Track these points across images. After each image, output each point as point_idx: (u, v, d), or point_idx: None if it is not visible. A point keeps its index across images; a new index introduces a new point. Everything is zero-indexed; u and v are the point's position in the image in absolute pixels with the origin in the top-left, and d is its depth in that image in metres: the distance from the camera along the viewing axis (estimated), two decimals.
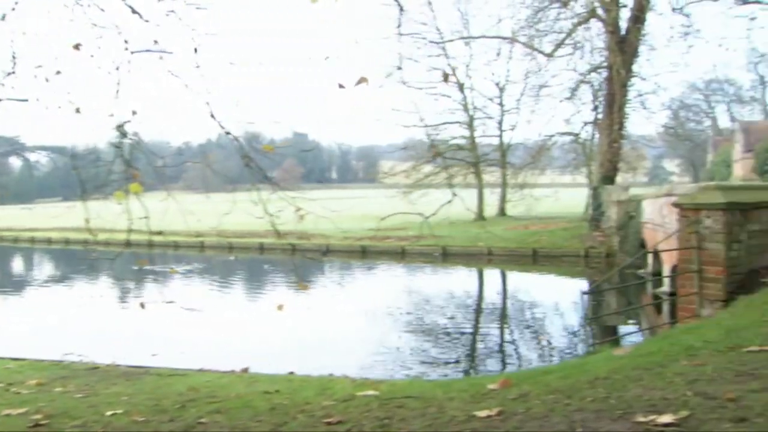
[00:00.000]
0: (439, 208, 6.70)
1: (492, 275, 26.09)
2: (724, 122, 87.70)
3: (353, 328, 15.14)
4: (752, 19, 25.46)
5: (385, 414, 4.42)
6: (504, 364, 12.10)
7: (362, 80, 5.81)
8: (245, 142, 7.29)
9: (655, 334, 8.86)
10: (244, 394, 5.90)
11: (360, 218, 42.42)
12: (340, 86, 6.16)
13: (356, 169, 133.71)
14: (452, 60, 40.17)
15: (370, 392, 5.37)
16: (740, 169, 67.21)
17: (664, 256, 15.82)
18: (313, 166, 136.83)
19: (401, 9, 5.19)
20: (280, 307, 7.93)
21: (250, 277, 27.12)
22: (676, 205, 7.60)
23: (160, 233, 7.11)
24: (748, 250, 7.61)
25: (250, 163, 6.87)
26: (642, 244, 21.46)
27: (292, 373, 8.41)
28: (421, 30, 37.88)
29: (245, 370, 8.50)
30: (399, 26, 5.23)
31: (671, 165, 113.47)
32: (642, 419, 3.53)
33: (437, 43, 37.13)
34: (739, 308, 6.48)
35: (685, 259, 7.39)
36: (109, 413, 5.03)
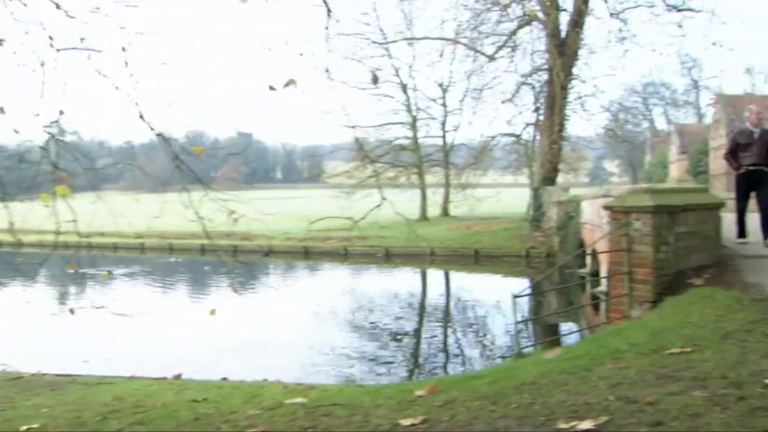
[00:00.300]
0: (368, 212, 6.66)
1: (434, 275, 26.17)
2: (661, 124, 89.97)
3: (295, 330, 14.96)
4: (679, 26, 26.06)
5: (310, 423, 4.35)
6: (447, 364, 12.14)
7: (290, 82, 5.73)
8: (186, 142, 7.14)
9: (592, 334, 8.97)
10: (171, 403, 5.76)
11: (303, 219, 42.12)
12: (271, 88, 6.06)
13: (301, 169, 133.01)
14: (395, 60, 40.31)
15: (299, 400, 5.28)
16: (676, 170, 69.04)
17: (601, 256, 16.06)
18: (257, 166, 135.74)
19: (329, 11, 5.11)
20: (212, 312, 7.79)
21: (190, 279, 26.70)
22: (607, 207, 7.71)
23: (88, 236, 6.90)
24: (676, 252, 7.75)
25: (181, 165, 6.73)
26: (581, 245, 21.76)
27: (225, 379, 8.27)
28: (365, 30, 37.94)
29: (178, 377, 8.33)
30: (327, 28, 5.13)
31: (611, 166, 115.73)
32: (564, 426, 3.53)
33: (380, 43, 37.18)
34: (666, 309, 6.59)
35: (616, 261, 7.50)
36: (23, 428, 4.83)
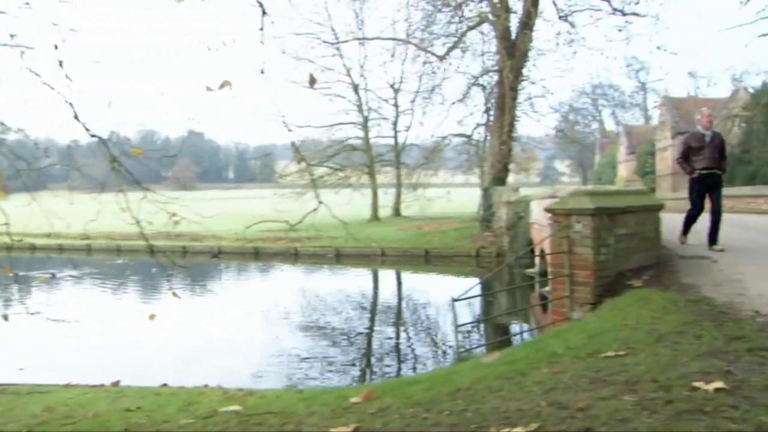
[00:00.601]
0: (305, 215, 6.55)
1: (384, 276, 26.15)
2: (610, 125, 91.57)
3: (246, 332, 14.81)
4: (619, 30, 26.56)
5: None
6: (400, 364, 12.14)
7: (225, 83, 5.63)
8: (126, 143, 6.99)
9: (537, 335, 9.02)
10: (104, 412, 5.62)
11: (253, 219, 41.71)
12: (208, 89, 5.95)
13: (253, 168, 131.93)
14: (347, 60, 40.25)
15: (233, 408, 5.18)
16: (624, 170, 70.31)
17: (548, 256, 16.19)
18: (209, 166, 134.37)
19: (264, 12, 5.02)
20: (151, 317, 7.63)
21: (138, 281, 26.23)
22: (548, 210, 7.75)
23: (20, 239, 6.70)
24: (616, 254, 7.83)
25: (117, 167, 6.60)
26: (530, 244, 21.96)
27: (165, 385, 8.11)
28: (316, 30, 37.81)
29: (116, 384, 8.14)
30: (261, 29, 5.04)
31: (562, 166, 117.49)
32: None
33: (331, 43, 37.07)
34: (605, 311, 6.64)
35: (557, 263, 7.54)
36: None
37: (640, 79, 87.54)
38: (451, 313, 15.62)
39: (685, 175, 10.56)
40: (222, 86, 5.61)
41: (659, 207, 9.27)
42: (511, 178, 34.87)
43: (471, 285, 20.80)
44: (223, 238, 31.99)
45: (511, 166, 34.27)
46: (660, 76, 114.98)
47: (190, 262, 30.43)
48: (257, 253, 30.54)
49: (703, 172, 9.98)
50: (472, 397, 4.37)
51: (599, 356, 4.99)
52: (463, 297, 7.34)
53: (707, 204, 10.27)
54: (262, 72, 5.14)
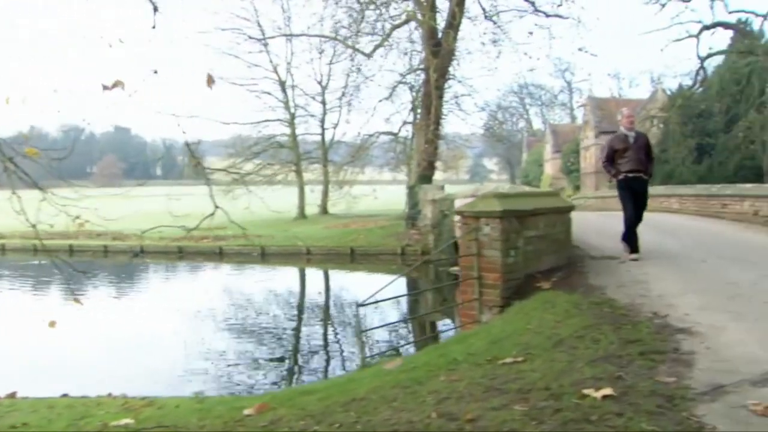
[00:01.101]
0: (201, 220, 6.38)
1: (310, 274, 25.94)
2: (537, 124, 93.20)
3: (169, 333, 14.42)
4: (529, 34, 27.10)
5: None
6: (327, 363, 12.04)
7: (117, 83, 5.42)
8: (20, 142, 6.68)
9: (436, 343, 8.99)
10: None
11: (178, 217, 40.83)
12: (104, 87, 5.72)
13: (182, 165, 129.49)
14: (274, 57, 39.84)
15: (126, 421, 4.99)
16: (550, 168, 71.65)
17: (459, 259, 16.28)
18: (136, 162, 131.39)
19: (155, 9, 4.83)
20: (51, 324, 7.32)
21: (56, 282, 25.31)
22: (458, 212, 7.74)
23: None
24: (525, 256, 7.87)
25: (10, 167, 6.30)
26: (455, 243, 22.07)
27: (65, 395, 7.79)
28: (242, 25, 37.29)
29: (12, 395, 7.78)
30: (154, 27, 4.85)
31: (490, 163, 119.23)
32: None
33: (257, 39, 36.59)
34: (510, 315, 6.66)
35: (467, 266, 7.54)
36: None
37: (566, 79, 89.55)
38: (378, 310, 15.70)
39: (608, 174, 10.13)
40: (114, 86, 5.39)
41: (569, 209, 9.37)
42: (440, 176, 35.14)
43: (389, 283, 20.70)
44: (145, 237, 31.22)
45: (439, 164, 34.51)
46: (585, 76, 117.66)
47: (111, 261, 29.74)
48: (181, 252, 29.85)
49: (629, 175, 9.49)
50: (365, 408, 4.29)
51: (497, 363, 4.98)
52: (368, 302, 7.23)
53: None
54: (155, 72, 4.94)
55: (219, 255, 29.15)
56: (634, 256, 9.36)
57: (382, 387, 4.81)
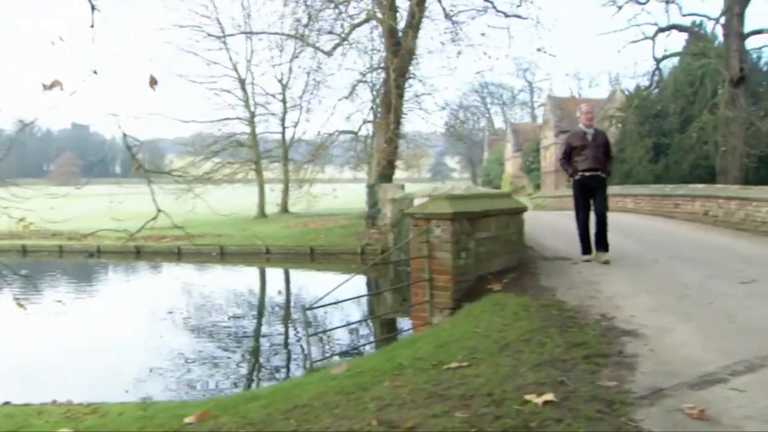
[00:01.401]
0: (144, 224, 6.25)
1: (268, 274, 25.73)
2: (499, 123, 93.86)
3: (128, 335, 14.15)
4: (491, 30, 27.22)
5: None
6: (288, 363, 11.94)
7: (55, 84, 5.27)
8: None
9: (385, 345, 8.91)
10: None
11: (138, 216, 40.21)
12: (43, 86, 5.57)
13: (142, 162, 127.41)
14: (234, 54, 39.49)
15: (63, 431, 4.85)
16: (511, 167, 72.20)
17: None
18: (95, 160, 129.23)
19: (93, 7, 4.70)
20: None
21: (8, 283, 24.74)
22: (408, 214, 7.70)
23: None
24: (477, 257, 7.86)
25: None
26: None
27: (7, 403, 7.58)
28: (202, 22, 36.88)
29: None
30: (92, 26, 4.71)
31: (452, 162, 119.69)
32: None
33: (217, 36, 36.21)
34: (460, 318, 6.64)
35: (418, 268, 7.50)
36: None
37: (527, 78, 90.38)
38: (338, 309, 15.59)
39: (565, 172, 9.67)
40: (52, 86, 5.25)
41: (521, 210, 9.38)
42: (402, 175, 35.12)
43: (354, 283, 20.65)
44: (103, 237, 30.68)
45: (400, 163, 34.50)
46: (547, 75, 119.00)
47: (67, 261, 29.20)
48: (138, 252, 29.38)
49: (586, 173, 9.13)
50: (307, 415, 4.23)
51: (442, 368, 4.95)
52: (315, 306, 7.15)
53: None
54: (95, 72, 4.81)
55: (177, 255, 28.74)
56: (587, 257, 9.23)
57: (326, 393, 4.75)
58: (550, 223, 15.73)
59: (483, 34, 31.65)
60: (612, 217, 17.58)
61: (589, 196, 9.29)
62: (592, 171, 9.14)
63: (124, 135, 6.10)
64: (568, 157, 9.35)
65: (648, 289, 7.30)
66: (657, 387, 4.15)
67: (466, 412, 3.88)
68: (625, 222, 15.35)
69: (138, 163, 6.11)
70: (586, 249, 9.32)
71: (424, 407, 4.07)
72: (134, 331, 14.46)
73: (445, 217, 7.21)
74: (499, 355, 5.07)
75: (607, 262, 8.95)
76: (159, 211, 5.86)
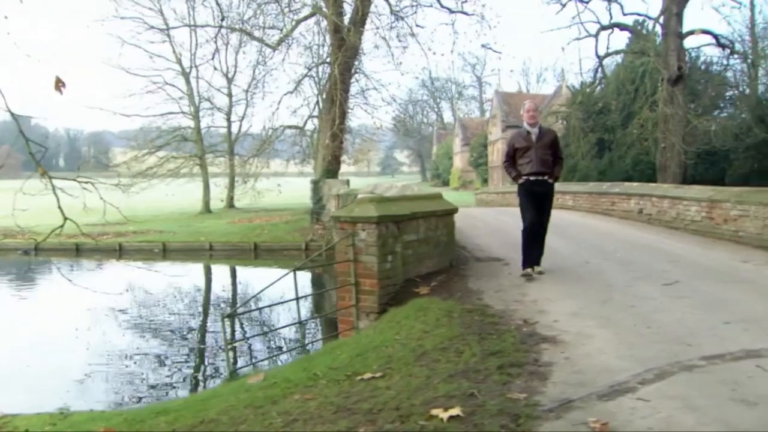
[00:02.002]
0: (50, 233, 6.02)
1: (211, 270, 25.35)
2: (449, 117, 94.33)
3: (68, 333, 13.76)
4: (437, 26, 27.25)
5: None
6: (235, 361, 11.71)
7: None
8: None
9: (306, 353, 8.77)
10: None
11: (79, 212, 39.26)
12: None
13: (86, 156, 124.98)
14: (178, 47, 38.82)
15: None
16: (459, 161, 72.68)
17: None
18: (36, 153, 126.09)
19: None
20: None
21: None
22: (335, 217, 7.59)
23: None
24: (405, 260, 7.78)
25: None
26: None
27: None
28: (145, 14, 36.14)
29: None
30: (6, 17, 4.49)
31: (402, 156, 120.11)
32: None
33: (160, 29, 35.51)
34: (382, 324, 6.54)
35: (343, 272, 7.39)
36: None
37: (476, 73, 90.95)
38: (285, 308, 15.36)
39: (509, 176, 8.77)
40: None
41: (452, 211, 9.31)
42: (351, 168, 34.97)
43: (299, 279, 20.29)
44: (40, 234, 29.84)
45: (349, 157, 34.34)
46: (493, 71, 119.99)
47: (1, 259, 28.33)
48: (78, 250, 28.58)
49: (531, 178, 8.24)
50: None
51: (356, 379, 4.85)
52: (235, 313, 6.99)
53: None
54: (28, 56, 4.57)
55: (118, 252, 28.09)
56: (527, 271, 8.26)
57: (236, 407, 4.61)
58: (490, 221, 15.79)
59: (418, 26, 31.49)
60: (551, 215, 17.80)
61: (538, 202, 8.34)
62: (537, 175, 8.25)
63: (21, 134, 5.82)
64: (511, 159, 8.51)
65: (574, 293, 7.31)
66: (566, 398, 4.11)
67: (372, 427, 3.81)
68: (563, 220, 15.47)
69: (37, 165, 5.82)
70: (527, 261, 8.31)
71: (331, 422, 3.98)
72: (75, 329, 14.07)
73: (371, 220, 7.11)
74: (414, 365, 4.98)
75: (541, 273, 8.31)
76: (65, 219, 5.62)
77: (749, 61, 30.67)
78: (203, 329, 14.83)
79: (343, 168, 34.08)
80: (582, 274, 8.56)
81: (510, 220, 15.16)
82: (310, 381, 5.01)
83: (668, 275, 8.12)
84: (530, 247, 8.30)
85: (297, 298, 7.21)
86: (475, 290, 7.57)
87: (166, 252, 27.72)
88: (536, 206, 8.28)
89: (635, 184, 16.75)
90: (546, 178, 8.30)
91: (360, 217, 7.21)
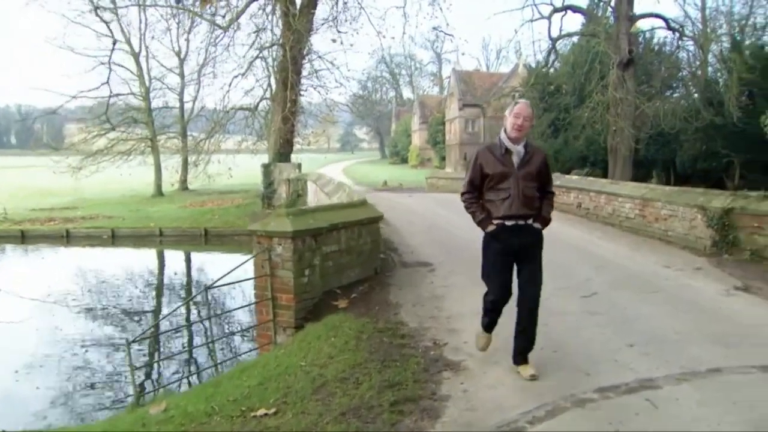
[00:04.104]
0: None
1: (160, 256, 25.02)
2: (408, 93, 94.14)
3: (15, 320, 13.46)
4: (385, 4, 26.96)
5: None
6: (190, 347, 11.58)
7: None
8: None
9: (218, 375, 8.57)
10: None
11: (29, 194, 38.56)
12: None
13: (39, 134, 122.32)
14: (128, 27, 37.99)
15: None
16: (417, 139, 72.68)
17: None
18: None
19: None
20: None
21: None
22: (251, 231, 7.46)
23: None
24: (324, 272, 7.69)
25: None
26: None
27: None
28: None
29: None
30: None
31: (361, 132, 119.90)
32: None
33: (105, 8, 34.55)
34: (295, 344, 6.44)
35: (261, 286, 7.28)
36: None
37: (435, 50, 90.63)
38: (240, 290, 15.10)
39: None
40: None
41: (376, 219, 9.21)
42: (313, 146, 34.76)
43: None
44: None
45: (301, 139, 33.92)
46: (455, 48, 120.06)
47: None
48: (23, 236, 27.94)
49: (507, 222, 5.19)
50: None
51: (249, 416, 4.79)
52: (139, 338, 6.85)
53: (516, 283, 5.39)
54: None
55: (66, 238, 27.51)
56: (484, 340, 5.71)
57: None
58: (428, 215, 15.67)
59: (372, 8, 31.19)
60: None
61: (512, 261, 5.32)
62: (518, 219, 5.17)
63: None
64: (476, 190, 5.34)
65: None
66: None
67: None
68: None
69: None
70: (487, 324, 5.66)
71: None
72: (21, 317, 13.76)
73: (286, 235, 7.00)
74: (310, 400, 4.92)
75: (534, 378, 5.14)
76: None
77: (699, 43, 30.85)
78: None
79: (302, 146, 33.89)
80: None
81: (448, 214, 15.15)
82: (205, 416, 4.93)
83: (590, 285, 8.15)
84: (493, 321, 5.59)
85: (210, 317, 7.09)
86: (393, 303, 7.51)
87: (115, 238, 27.24)
88: (510, 268, 5.33)
89: (575, 177, 16.82)
90: (530, 221, 5.21)
91: (275, 231, 7.09)
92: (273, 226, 7.16)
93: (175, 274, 21.67)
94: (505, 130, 5.21)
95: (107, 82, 34.96)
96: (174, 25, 35.94)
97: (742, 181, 29.86)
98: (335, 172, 59.98)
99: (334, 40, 28.27)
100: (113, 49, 35.35)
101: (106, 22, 35.68)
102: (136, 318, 14.67)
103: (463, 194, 5.40)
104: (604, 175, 29.65)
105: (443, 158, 61.76)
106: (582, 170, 41.09)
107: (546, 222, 5.36)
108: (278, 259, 7.13)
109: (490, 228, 5.22)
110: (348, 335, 6.27)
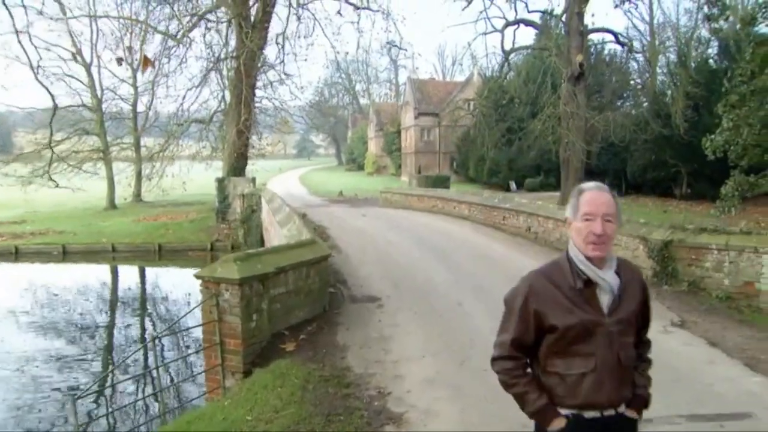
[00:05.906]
0: None
1: (113, 272, 24.72)
2: (365, 100, 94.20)
3: None
4: (342, 24, 27.11)
5: None
6: (145, 355, 11.55)
7: None
8: None
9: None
10: None
11: None
12: None
13: None
14: (79, 37, 37.47)
15: None
16: (373, 147, 72.84)
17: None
18: None
19: None
20: None
21: None
22: (197, 277, 7.48)
23: None
24: (272, 315, 7.74)
25: None
26: (262, 241, 21.93)
27: None
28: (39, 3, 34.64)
29: None
30: None
31: (318, 139, 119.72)
32: None
33: (55, 19, 33.99)
34: (242, 392, 6.43)
35: (209, 331, 7.31)
36: None
37: (391, 56, 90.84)
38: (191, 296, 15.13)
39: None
40: None
41: (324, 258, 9.26)
42: (266, 156, 34.58)
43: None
44: None
45: (255, 151, 33.75)
46: (412, 56, 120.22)
47: None
48: None
49: (587, 414, 2.71)
50: None
51: None
52: (87, 393, 6.83)
53: None
54: None
55: (14, 255, 26.94)
56: None
57: None
58: (380, 242, 15.61)
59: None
60: (444, 226, 17.95)
61: None
62: (607, 407, 2.72)
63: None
64: (525, 354, 2.85)
65: (435, 348, 7.42)
66: None
67: None
68: (455, 238, 15.62)
69: None
70: None
71: None
72: None
73: (233, 282, 7.05)
74: None
75: None
76: None
77: (647, 57, 31.61)
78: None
79: (258, 153, 33.82)
80: (450, 319, 8.68)
81: (400, 241, 15.29)
82: None
83: None
84: None
85: (157, 367, 7.11)
86: (341, 345, 7.59)
87: (66, 254, 26.80)
88: None
89: (524, 201, 17.06)
90: (624, 411, 2.77)
91: (223, 278, 7.14)
92: (220, 272, 7.20)
93: (129, 289, 21.59)
94: (577, 248, 2.74)
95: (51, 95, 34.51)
96: (126, 35, 35.70)
97: (689, 190, 30.78)
98: (291, 180, 59.90)
99: (288, 56, 28.24)
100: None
101: None
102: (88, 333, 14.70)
103: (495, 360, 2.87)
104: (558, 183, 30.26)
105: (399, 166, 62.00)
106: (536, 179, 41.86)
107: (645, 405, 2.89)
108: (226, 304, 7.18)
109: (556, 425, 2.73)
110: (294, 385, 6.33)
